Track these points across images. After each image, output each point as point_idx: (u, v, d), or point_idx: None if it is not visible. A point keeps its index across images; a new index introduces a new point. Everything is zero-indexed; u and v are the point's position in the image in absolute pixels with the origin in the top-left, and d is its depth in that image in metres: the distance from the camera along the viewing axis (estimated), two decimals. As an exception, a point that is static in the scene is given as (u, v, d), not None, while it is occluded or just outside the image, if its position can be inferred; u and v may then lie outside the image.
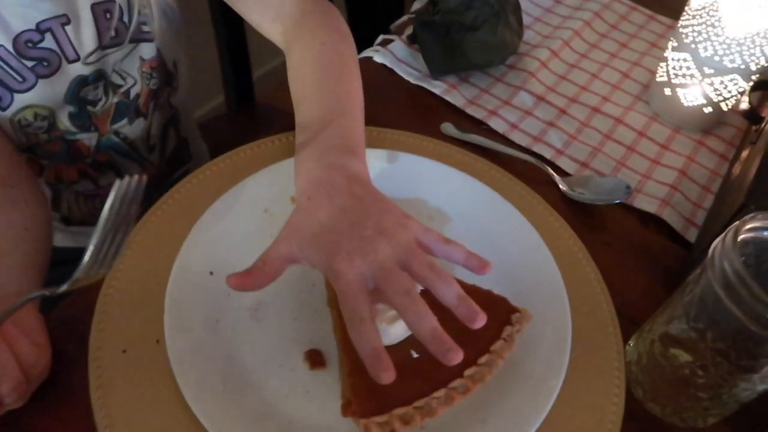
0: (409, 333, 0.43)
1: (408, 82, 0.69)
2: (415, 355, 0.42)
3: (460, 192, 0.56)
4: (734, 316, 0.37)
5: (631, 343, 0.48)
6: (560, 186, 0.60)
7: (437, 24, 0.66)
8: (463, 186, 0.56)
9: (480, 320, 0.37)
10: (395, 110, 0.66)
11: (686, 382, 0.43)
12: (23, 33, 0.55)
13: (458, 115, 0.66)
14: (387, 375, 0.35)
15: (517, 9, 0.71)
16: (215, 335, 0.45)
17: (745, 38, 0.59)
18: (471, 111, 0.66)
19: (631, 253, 0.57)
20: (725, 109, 0.67)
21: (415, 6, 0.76)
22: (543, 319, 0.47)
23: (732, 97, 0.65)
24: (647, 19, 0.83)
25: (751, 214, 0.38)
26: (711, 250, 0.39)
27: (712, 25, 0.60)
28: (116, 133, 0.68)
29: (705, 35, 0.61)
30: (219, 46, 0.94)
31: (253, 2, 0.59)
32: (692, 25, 0.62)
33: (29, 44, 0.56)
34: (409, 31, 0.72)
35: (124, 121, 0.68)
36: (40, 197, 0.57)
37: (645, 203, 0.60)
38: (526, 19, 0.76)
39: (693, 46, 0.63)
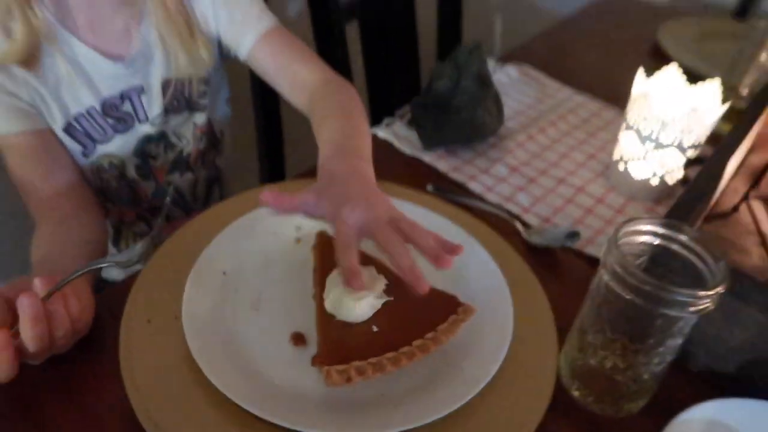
0: (372, 311, 0.54)
1: (404, 153, 0.84)
2: (375, 329, 0.53)
3: (435, 228, 0.68)
4: (625, 299, 0.47)
5: (565, 348, 0.57)
6: (521, 233, 0.72)
7: (429, 105, 0.82)
8: (440, 224, 0.68)
9: (446, 262, 0.48)
10: (392, 175, 0.80)
11: (603, 372, 0.52)
12: (109, 98, 0.73)
13: (443, 180, 0.80)
14: (355, 279, 0.47)
15: (497, 99, 0.87)
16: (221, 318, 0.56)
17: (674, 118, 0.72)
18: (454, 176, 0.80)
19: (578, 285, 0.66)
20: (671, 182, 0.78)
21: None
22: (491, 321, 0.57)
23: (674, 170, 0.77)
24: (616, 114, 0.98)
25: (628, 219, 0.49)
26: (603, 254, 0.49)
27: (648, 108, 0.74)
28: (169, 183, 0.84)
29: (644, 116, 0.75)
30: (258, 128, 1.13)
31: (284, 76, 0.77)
32: (634, 109, 0.76)
33: (112, 107, 0.74)
34: (408, 116, 0.89)
35: (177, 174, 0.84)
36: (103, 236, 0.72)
37: (594, 250, 0.71)
38: (509, 111, 0.92)
39: (636, 126, 0.76)
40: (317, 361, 0.51)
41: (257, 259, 0.63)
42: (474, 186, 0.79)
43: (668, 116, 0.73)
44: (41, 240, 0.67)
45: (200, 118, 0.83)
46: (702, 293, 0.44)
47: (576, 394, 0.55)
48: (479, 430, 0.49)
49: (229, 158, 0.94)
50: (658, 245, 0.50)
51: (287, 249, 0.65)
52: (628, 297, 0.47)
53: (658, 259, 0.51)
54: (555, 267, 0.69)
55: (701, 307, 0.45)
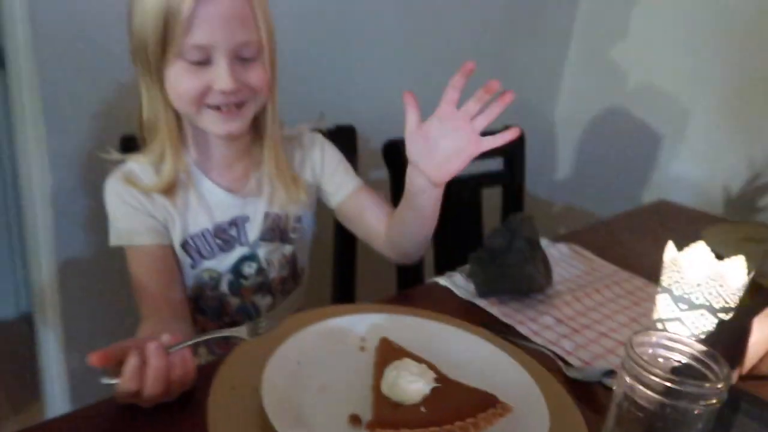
0: (421, 395, 0.62)
1: (461, 298, 0.96)
2: (423, 410, 0.61)
3: (482, 353, 0.77)
4: (648, 397, 0.54)
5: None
6: (562, 368, 0.79)
7: (485, 259, 0.96)
8: (488, 349, 0.77)
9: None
10: (449, 314, 0.92)
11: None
12: (221, 223, 0.92)
13: (494, 322, 0.90)
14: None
15: (546, 261, 1.00)
16: (293, 395, 0.66)
17: (701, 281, 0.82)
18: (504, 319, 0.90)
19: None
20: (707, 342, 0.85)
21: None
22: (528, 424, 0.64)
23: (705, 330, 0.84)
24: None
25: (641, 331, 0.58)
26: (621, 360, 0.58)
27: (678, 271, 0.84)
28: (252, 302, 0.99)
29: (675, 279, 0.85)
30: (334, 265, 1.29)
31: (366, 226, 0.95)
32: (667, 273, 0.87)
33: (222, 230, 0.92)
34: (467, 270, 1.02)
35: (260, 295, 0.99)
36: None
37: (631, 391, 0.76)
38: (558, 278, 1.04)
39: (669, 287, 0.86)
40: (370, 425, 0.59)
41: (326, 356, 0.74)
42: (521, 329, 0.88)
43: (696, 278, 0.82)
44: (145, 333, 0.81)
45: (288, 250, 1.00)
46: (710, 386, 0.51)
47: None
48: None
49: (306, 291, 1.09)
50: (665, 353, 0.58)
51: (352, 353, 0.76)
52: (644, 394, 0.54)
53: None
54: (591, 399, 0.75)
55: (710, 401, 0.52)
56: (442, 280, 1.00)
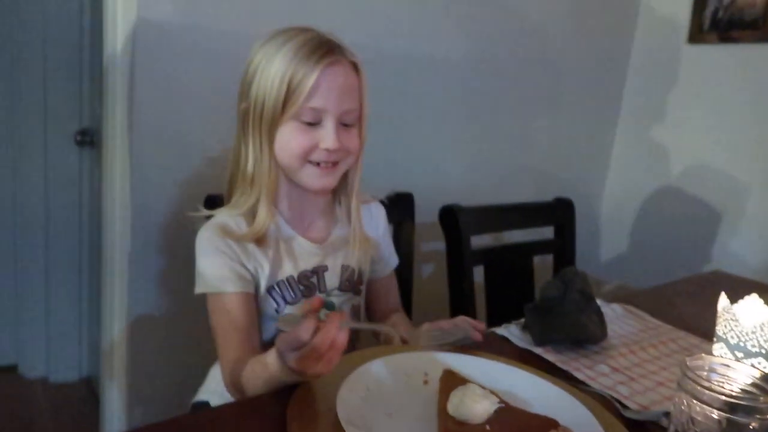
0: (486, 415, 0.66)
1: (518, 347, 1.00)
2: (488, 428, 0.65)
3: (546, 393, 0.81)
4: (705, 413, 0.57)
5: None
6: (619, 409, 0.81)
7: (539, 309, 1.00)
8: (550, 388, 0.81)
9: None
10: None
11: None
12: (304, 271, 1.00)
13: (551, 369, 0.93)
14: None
15: (600, 313, 1.03)
16: (364, 417, 0.71)
17: (755, 328, 0.84)
18: (560, 366, 0.93)
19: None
20: (767, 392, 0.85)
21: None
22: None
23: (766, 379, 0.85)
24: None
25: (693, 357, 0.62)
26: (678, 381, 0.61)
27: (733, 320, 0.87)
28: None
29: (730, 327, 0.87)
30: None
31: (382, 300, 1.14)
32: (721, 323, 0.89)
33: (305, 277, 1.00)
34: (521, 323, 1.06)
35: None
36: None
37: None
38: (612, 333, 1.06)
39: (724, 336, 0.88)
40: (438, 436, 0.63)
41: (393, 386, 0.79)
42: (578, 374, 0.91)
43: (751, 325, 0.85)
44: (230, 365, 0.89)
45: (357, 301, 1.07)
46: (765, 399, 0.55)
47: None
48: None
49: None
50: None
51: (417, 385, 0.80)
52: (702, 412, 0.57)
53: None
54: (650, 438, 0.76)
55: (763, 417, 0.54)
56: (499, 330, 1.05)
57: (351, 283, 1.06)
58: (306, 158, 0.94)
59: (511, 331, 1.04)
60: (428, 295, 1.74)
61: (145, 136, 1.46)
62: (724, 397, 0.56)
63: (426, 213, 1.48)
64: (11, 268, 2.13)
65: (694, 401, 0.57)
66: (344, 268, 1.05)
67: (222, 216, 0.99)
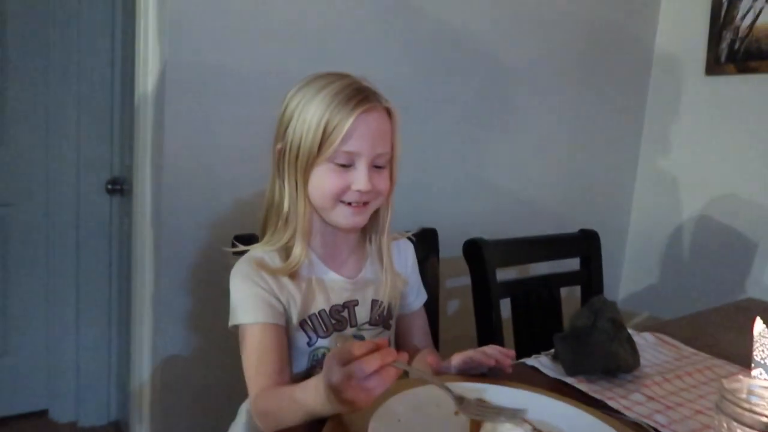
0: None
1: (549, 377, 0.98)
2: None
3: (582, 421, 0.79)
4: None
5: None
6: (658, 438, 0.79)
7: (570, 338, 0.99)
8: (584, 418, 0.80)
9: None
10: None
11: None
12: (336, 305, 1.02)
13: (584, 399, 0.91)
14: None
15: (631, 341, 1.01)
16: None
17: (795, 350, 0.82)
18: (594, 395, 0.92)
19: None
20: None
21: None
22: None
23: (809, 404, 0.82)
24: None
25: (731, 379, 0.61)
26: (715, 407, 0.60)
27: (769, 344, 0.85)
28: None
29: (764, 353, 0.85)
30: None
31: (412, 333, 1.16)
32: (758, 348, 0.87)
33: (336, 311, 1.01)
34: (551, 354, 1.05)
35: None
36: None
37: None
38: (644, 362, 1.05)
39: (763, 362, 0.86)
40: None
41: (424, 417, 0.78)
42: (612, 404, 0.89)
43: (789, 349, 0.83)
44: (262, 393, 0.90)
45: (387, 335, 1.07)
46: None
47: None
48: None
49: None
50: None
51: (448, 416, 0.80)
52: (742, 432, 0.56)
53: None
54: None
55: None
56: (529, 361, 1.03)
57: (381, 318, 1.06)
58: (338, 198, 0.97)
59: (542, 362, 1.03)
60: (455, 330, 1.72)
61: (174, 179, 1.50)
62: (765, 419, 0.55)
63: (449, 248, 1.48)
64: (43, 315, 2.18)
65: (735, 423, 0.56)
66: (375, 303, 1.06)
67: (257, 251, 1.02)
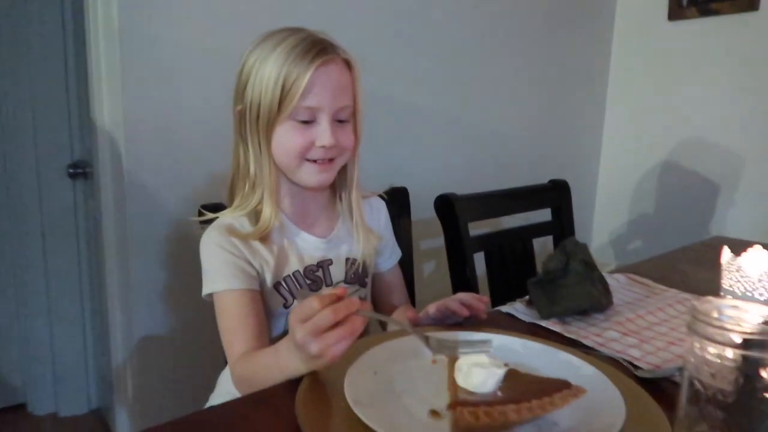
0: (496, 382, 0.65)
1: (524, 322, 0.99)
2: (499, 394, 0.64)
3: (560, 360, 0.80)
4: (720, 354, 0.56)
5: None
6: (632, 370, 0.80)
7: (543, 282, 0.99)
8: (559, 356, 0.80)
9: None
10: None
11: None
12: (310, 265, 1.00)
13: (560, 340, 0.92)
14: None
15: (603, 280, 1.02)
16: (374, 399, 0.70)
17: (762, 276, 0.83)
18: (568, 335, 0.92)
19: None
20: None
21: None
22: (604, 406, 0.65)
23: (777, 326, 0.84)
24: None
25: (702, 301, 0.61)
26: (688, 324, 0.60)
27: (738, 271, 0.86)
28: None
29: (735, 279, 0.86)
30: None
31: (386, 292, 1.14)
32: (727, 276, 0.88)
33: (310, 272, 1.00)
34: (525, 300, 1.05)
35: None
36: None
37: (707, 385, 0.76)
38: (617, 301, 1.06)
39: (731, 289, 0.87)
40: (453, 406, 0.62)
41: (401, 368, 0.78)
42: (587, 342, 0.90)
43: (756, 275, 0.84)
44: (240, 359, 0.88)
45: (363, 293, 1.07)
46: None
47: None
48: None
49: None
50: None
51: (425, 365, 0.79)
52: (715, 352, 0.56)
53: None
54: (663, 396, 0.74)
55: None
56: (504, 308, 1.04)
57: (357, 275, 1.06)
58: (303, 156, 0.95)
59: (517, 308, 1.04)
60: (431, 291, 1.73)
61: (136, 156, 1.46)
62: (737, 335, 0.55)
63: (421, 210, 1.47)
64: (13, 307, 2.12)
65: (707, 342, 0.56)
66: (349, 261, 1.05)
67: (225, 218, 0.99)
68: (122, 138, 1.44)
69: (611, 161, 2.57)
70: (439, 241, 1.46)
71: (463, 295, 0.93)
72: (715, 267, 1.31)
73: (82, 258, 2.13)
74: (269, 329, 0.97)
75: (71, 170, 2.05)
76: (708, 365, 0.58)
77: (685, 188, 2.32)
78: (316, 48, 0.91)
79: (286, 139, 0.94)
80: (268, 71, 0.91)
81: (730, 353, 0.56)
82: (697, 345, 0.58)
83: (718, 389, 0.57)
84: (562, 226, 1.64)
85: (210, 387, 1.14)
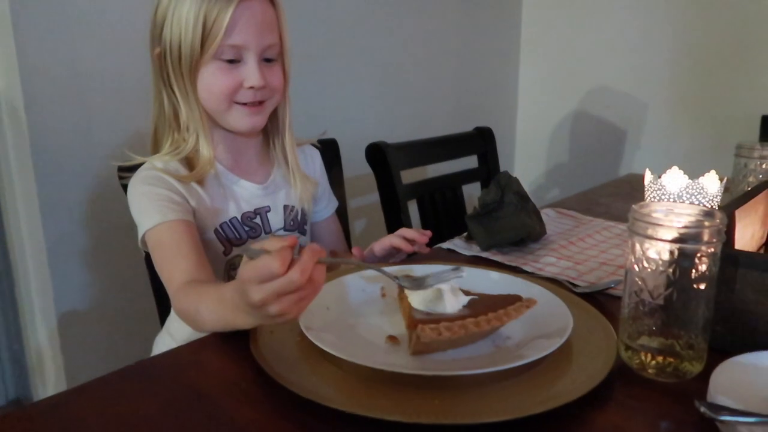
0: (460, 305, 0.66)
1: (465, 255, 1.01)
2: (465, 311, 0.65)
3: (504, 281, 0.82)
4: (658, 249, 0.59)
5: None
6: (570, 288, 0.84)
7: (481, 215, 1.02)
8: (504, 278, 0.82)
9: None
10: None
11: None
12: (247, 212, 0.97)
13: (501, 269, 0.95)
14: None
15: (537, 211, 1.06)
16: (329, 333, 0.69)
17: (681, 191, 0.89)
18: (509, 264, 0.95)
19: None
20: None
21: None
22: (554, 315, 0.68)
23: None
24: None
25: (640, 204, 0.64)
26: (628, 226, 0.63)
27: (659, 189, 0.91)
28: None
29: (657, 197, 0.92)
30: None
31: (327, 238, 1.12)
32: (649, 195, 0.94)
33: (248, 219, 0.97)
34: (463, 237, 1.07)
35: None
36: None
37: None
38: (550, 233, 1.10)
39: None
40: (413, 324, 0.62)
41: (352, 302, 0.77)
42: (527, 268, 0.93)
43: (676, 190, 0.90)
44: (182, 289, 0.80)
45: (304, 241, 1.04)
46: (709, 224, 0.57)
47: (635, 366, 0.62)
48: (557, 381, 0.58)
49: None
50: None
51: (375, 299, 0.80)
52: (654, 248, 0.59)
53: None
54: (601, 309, 0.78)
55: (713, 241, 0.57)
56: (444, 245, 1.05)
57: (296, 222, 1.03)
58: (231, 99, 0.91)
59: (456, 244, 1.05)
60: (366, 243, 1.73)
61: (41, 102, 1.35)
62: (673, 231, 0.59)
63: (350, 167, 1.45)
64: None
65: (646, 240, 0.60)
66: (287, 208, 1.02)
67: (155, 161, 0.93)
68: (20, 98, 1.33)
69: (528, 109, 2.66)
70: (368, 198, 1.45)
71: (405, 231, 0.93)
72: (633, 197, 1.39)
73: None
74: (209, 264, 0.93)
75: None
76: (647, 262, 0.61)
77: (596, 133, 2.44)
78: None
79: (212, 80, 0.89)
80: (186, 9, 0.85)
81: (668, 247, 0.59)
82: (638, 245, 0.62)
83: (655, 285, 0.61)
84: (489, 171, 1.68)
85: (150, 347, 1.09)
